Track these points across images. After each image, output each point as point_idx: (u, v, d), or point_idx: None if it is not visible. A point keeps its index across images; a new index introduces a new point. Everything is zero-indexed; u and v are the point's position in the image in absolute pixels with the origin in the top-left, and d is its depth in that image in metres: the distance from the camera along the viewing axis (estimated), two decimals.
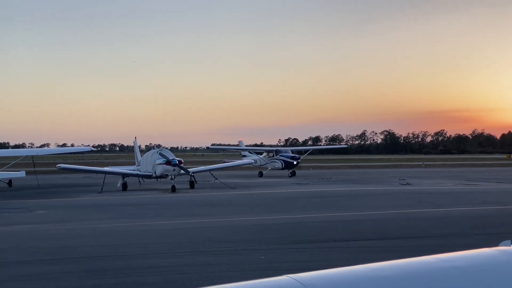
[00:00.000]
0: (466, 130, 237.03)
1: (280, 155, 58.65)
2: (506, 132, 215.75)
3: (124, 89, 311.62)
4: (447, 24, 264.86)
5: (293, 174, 57.94)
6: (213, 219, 22.75)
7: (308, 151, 64.61)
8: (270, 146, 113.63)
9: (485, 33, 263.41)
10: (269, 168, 59.07)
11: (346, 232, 18.69)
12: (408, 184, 43.52)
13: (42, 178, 49.85)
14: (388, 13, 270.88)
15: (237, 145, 71.72)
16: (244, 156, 65.28)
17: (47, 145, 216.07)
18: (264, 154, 61.47)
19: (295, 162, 57.89)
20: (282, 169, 58.14)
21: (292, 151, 61.95)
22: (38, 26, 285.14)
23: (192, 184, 41.78)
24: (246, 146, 73.11)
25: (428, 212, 24.54)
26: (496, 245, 3.40)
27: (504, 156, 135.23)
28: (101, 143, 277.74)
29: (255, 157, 62.18)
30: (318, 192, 36.54)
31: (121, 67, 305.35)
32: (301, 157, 62.55)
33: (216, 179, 43.61)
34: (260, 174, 58.80)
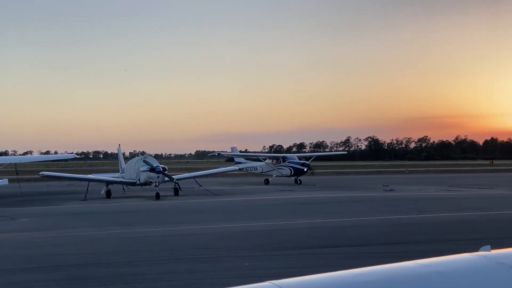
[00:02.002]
0: (449, 136, 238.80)
1: (288, 162, 56.07)
2: (488, 138, 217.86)
3: (108, 96, 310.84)
4: (431, 32, 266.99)
5: (299, 181, 55.36)
6: (198, 226, 22.71)
7: (312, 157, 61.98)
8: (255, 152, 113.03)
9: (468, 41, 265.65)
10: (274, 175, 56.43)
11: (330, 238, 18.74)
12: (391, 190, 43.70)
13: (25, 186, 49.45)
14: (369, 20, 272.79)
15: (230, 151, 69.29)
16: (239, 163, 63.31)
17: (30, 152, 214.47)
18: (268, 160, 58.95)
19: (305, 169, 55.26)
20: (291, 176, 55.48)
21: (299, 158, 59.08)
22: (19, 32, 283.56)
23: (176, 191, 41.70)
24: (241, 152, 71.41)
25: (411, 218, 24.65)
26: (477, 250, 3.45)
27: (487, 162, 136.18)
28: (85, 151, 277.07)
29: (256, 164, 60.45)
30: (302, 199, 36.59)
31: (105, 74, 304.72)
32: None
33: (201, 186, 43.56)
34: (267, 182, 56.50)
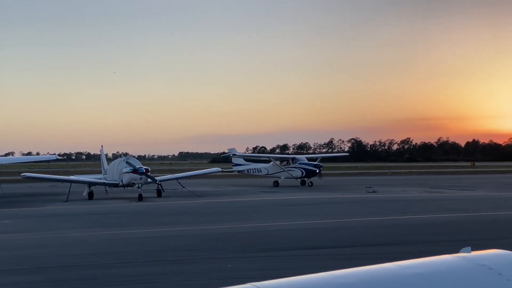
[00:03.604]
0: (431, 138, 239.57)
1: (299, 163, 54.06)
2: (470, 140, 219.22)
3: (90, 97, 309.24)
4: (413, 35, 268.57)
5: (310, 183, 53.52)
6: (180, 227, 22.64)
7: (318, 159, 60.20)
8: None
9: (450, 44, 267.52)
10: (283, 177, 54.32)
11: (313, 240, 18.76)
12: (374, 192, 43.85)
13: (6, 187, 49.06)
14: (349, 23, 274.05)
15: (227, 152, 66.12)
16: (238, 164, 61.26)
17: (12, 153, 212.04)
18: (273, 162, 56.68)
19: (317, 170, 53.31)
20: (302, 177, 53.83)
21: (308, 159, 57.04)
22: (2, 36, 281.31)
23: (159, 193, 41.57)
24: (240, 154, 68.33)
25: (393, 219, 24.75)
26: (458, 252, 3.46)
27: (469, 163, 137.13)
28: (67, 152, 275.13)
29: (260, 165, 58.56)
30: (285, 200, 36.62)
31: (88, 76, 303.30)
32: None
33: (184, 187, 43.41)
34: (276, 184, 54.09)
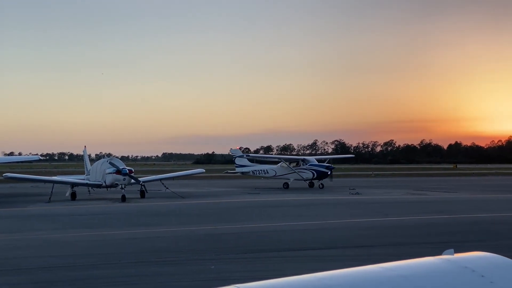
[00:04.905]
0: (414, 141, 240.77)
1: (310, 165, 52.92)
2: (452, 142, 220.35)
3: (73, 97, 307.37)
4: (396, 37, 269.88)
5: (321, 185, 52.77)
6: (163, 228, 22.58)
7: (327, 160, 57.06)
8: (222, 155, 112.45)
9: (433, 47, 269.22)
10: (292, 179, 53.31)
11: (297, 242, 18.79)
12: (357, 193, 43.99)
13: None
14: (331, 25, 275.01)
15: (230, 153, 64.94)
16: (241, 165, 59.86)
17: None
18: (282, 163, 55.32)
19: (329, 172, 52.40)
20: (313, 179, 52.92)
21: (318, 160, 55.65)
22: None
23: (142, 194, 41.41)
24: (253, 154, 66.32)
25: (376, 221, 24.86)
26: (440, 254, 3.47)
27: (451, 166, 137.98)
28: (50, 152, 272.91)
29: (267, 166, 57.11)
30: (268, 202, 36.63)
31: (71, 76, 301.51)
32: None
33: (167, 188, 43.26)
34: (286, 186, 53.12)
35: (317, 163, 53.93)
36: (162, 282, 12.54)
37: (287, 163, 55.20)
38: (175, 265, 14.57)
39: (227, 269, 13.95)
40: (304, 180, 53.38)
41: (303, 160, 54.95)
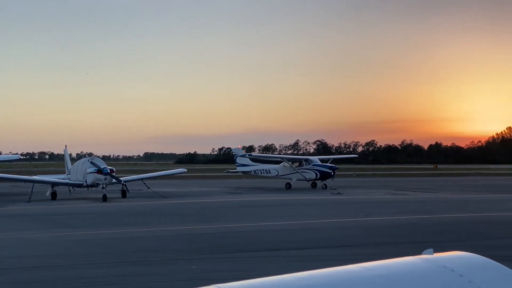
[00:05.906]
0: (395, 141, 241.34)
1: (313, 165, 52.40)
2: (433, 143, 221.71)
3: (54, 96, 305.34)
4: (376, 37, 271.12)
5: (324, 186, 52.06)
6: (145, 228, 22.51)
7: (330, 160, 56.80)
8: (204, 155, 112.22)
9: (415, 48, 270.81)
10: (295, 179, 52.72)
11: (278, 241, 18.81)
12: (339, 193, 44.13)
13: None
14: (312, 24, 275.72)
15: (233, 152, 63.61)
16: (243, 165, 59.06)
17: None
18: (284, 163, 54.76)
19: (333, 172, 51.88)
20: (316, 179, 52.40)
21: (321, 161, 55.12)
22: None
23: (124, 193, 41.22)
24: (256, 154, 65.53)
25: (358, 221, 24.96)
26: (420, 253, 3.49)
27: (431, 166, 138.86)
28: (30, 151, 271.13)
29: (269, 166, 56.49)
30: (250, 201, 36.65)
31: (52, 74, 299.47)
32: None
33: (149, 188, 43.11)
34: (289, 186, 52.36)
35: (320, 163, 53.44)
36: (141, 282, 12.49)
37: (290, 163, 54.64)
38: (156, 265, 14.52)
39: (209, 268, 13.93)
40: (307, 181, 53.06)
41: (306, 160, 54.45)
